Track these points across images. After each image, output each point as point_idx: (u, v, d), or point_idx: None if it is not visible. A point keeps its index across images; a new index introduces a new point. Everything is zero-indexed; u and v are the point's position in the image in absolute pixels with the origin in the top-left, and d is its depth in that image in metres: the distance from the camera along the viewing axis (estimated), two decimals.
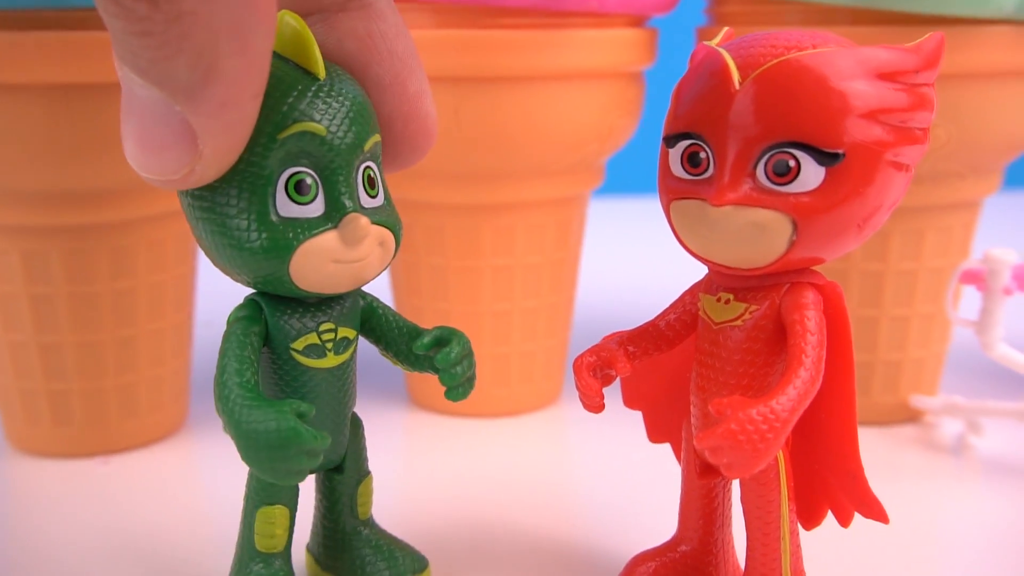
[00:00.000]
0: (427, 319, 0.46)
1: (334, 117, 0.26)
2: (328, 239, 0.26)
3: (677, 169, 0.27)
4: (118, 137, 0.37)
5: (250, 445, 0.25)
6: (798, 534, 0.28)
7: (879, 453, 0.43)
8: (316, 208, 0.26)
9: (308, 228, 0.26)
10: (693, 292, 0.29)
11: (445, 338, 0.30)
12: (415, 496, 0.40)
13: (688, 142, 0.26)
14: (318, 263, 0.26)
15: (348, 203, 0.27)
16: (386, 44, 0.29)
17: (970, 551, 0.35)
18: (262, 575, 0.30)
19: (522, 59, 0.41)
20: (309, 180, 0.26)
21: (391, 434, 0.46)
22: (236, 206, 0.26)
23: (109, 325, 0.41)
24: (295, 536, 0.32)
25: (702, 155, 0.26)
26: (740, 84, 0.25)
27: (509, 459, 0.43)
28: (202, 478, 0.42)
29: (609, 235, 0.88)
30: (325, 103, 0.26)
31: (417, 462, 0.44)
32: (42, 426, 0.42)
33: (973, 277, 0.41)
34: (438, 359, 0.29)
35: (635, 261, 0.83)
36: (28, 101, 0.36)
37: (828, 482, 0.28)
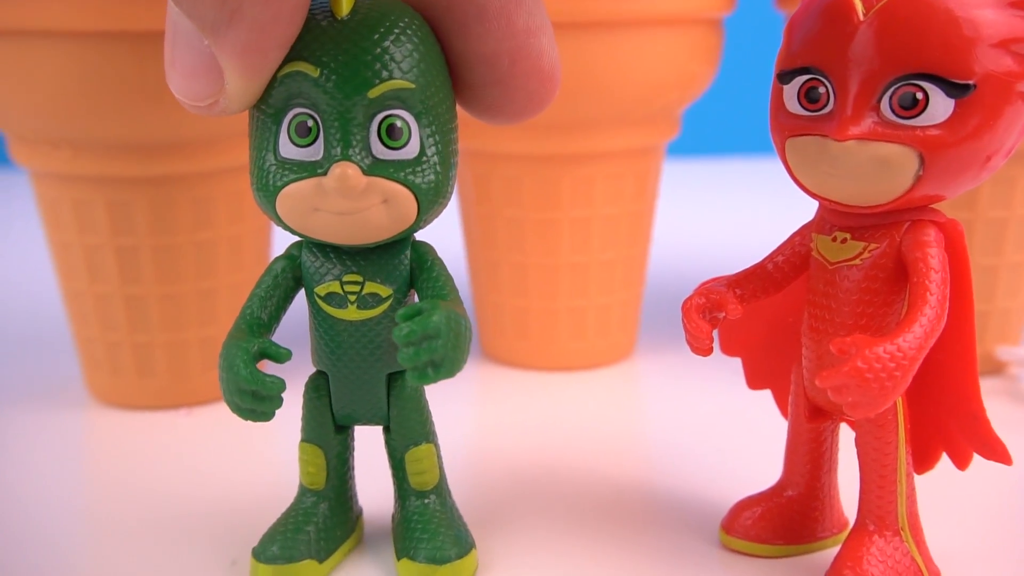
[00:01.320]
0: (503, 273, 0.46)
1: (336, 59, 0.25)
2: (307, 185, 0.26)
3: (793, 106, 0.26)
4: None
5: (219, 373, 0.27)
6: (913, 477, 0.28)
7: None
8: (315, 152, 0.26)
9: (297, 171, 0.26)
10: (803, 233, 0.29)
11: (421, 312, 0.26)
12: (493, 449, 0.40)
13: (806, 77, 0.26)
14: (298, 208, 0.26)
15: (338, 151, 0.25)
16: None
17: None
18: (304, 505, 0.30)
19: (603, 4, 0.40)
20: (311, 123, 0.26)
21: (465, 388, 0.46)
22: (253, 144, 0.27)
23: (191, 277, 0.41)
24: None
25: (821, 90, 0.25)
26: (864, 15, 0.24)
27: (589, 411, 0.43)
28: (283, 428, 0.42)
29: (679, 195, 0.87)
30: (331, 44, 0.25)
31: (493, 416, 0.43)
32: (126, 378, 0.42)
33: None
34: (393, 332, 0.26)
35: (704, 220, 0.82)
36: (115, 48, 0.36)
37: (946, 424, 0.28)
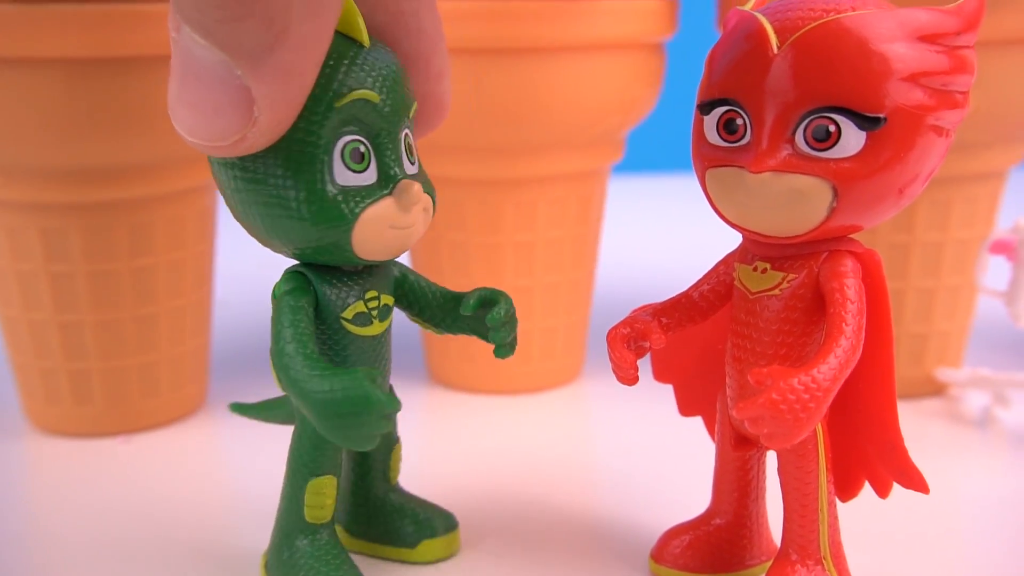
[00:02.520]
0: None
1: (384, 84, 0.27)
2: (386, 206, 0.27)
3: (713, 136, 0.26)
4: (137, 112, 0.37)
5: (329, 414, 0.25)
6: (836, 506, 0.28)
7: (904, 426, 0.43)
8: (370, 176, 0.27)
9: (366, 196, 0.27)
10: (727, 262, 0.29)
11: (491, 298, 0.30)
12: (438, 473, 0.40)
13: (724, 108, 0.26)
14: (378, 230, 0.27)
15: (398, 169, 0.27)
16: (416, 22, 0.28)
17: (995, 524, 0.35)
18: (310, 549, 0.30)
19: (544, 30, 0.40)
20: (363, 148, 0.27)
21: (411, 412, 0.46)
22: (292, 176, 0.26)
23: (129, 303, 0.41)
24: None
25: (739, 122, 0.25)
26: (778, 48, 0.24)
27: (533, 436, 0.43)
28: (223, 457, 0.42)
29: (627, 212, 0.87)
30: (375, 70, 0.27)
31: (438, 439, 0.43)
32: (62, 405, 0.42)
33: (1003, 247, 0.40)
34: (489, 318, 0.30)
35: (652, 238, 0.83)
36: (47, 75, 0.36)
37: (866, 453, 0.28)
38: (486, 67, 0.41)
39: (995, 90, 0.40)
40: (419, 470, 0.40)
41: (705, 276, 0.29)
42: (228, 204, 0.28)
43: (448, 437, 0.43)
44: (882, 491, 0.28)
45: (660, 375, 0.32)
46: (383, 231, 0.27)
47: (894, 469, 0.27)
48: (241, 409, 0.35)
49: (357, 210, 0.26)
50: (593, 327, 0.51)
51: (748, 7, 0.27)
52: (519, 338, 0.46)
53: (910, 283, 0.43)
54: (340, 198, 0.26)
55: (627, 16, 0.42)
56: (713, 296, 0.29)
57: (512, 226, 0.44)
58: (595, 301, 0.51)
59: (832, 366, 0.24)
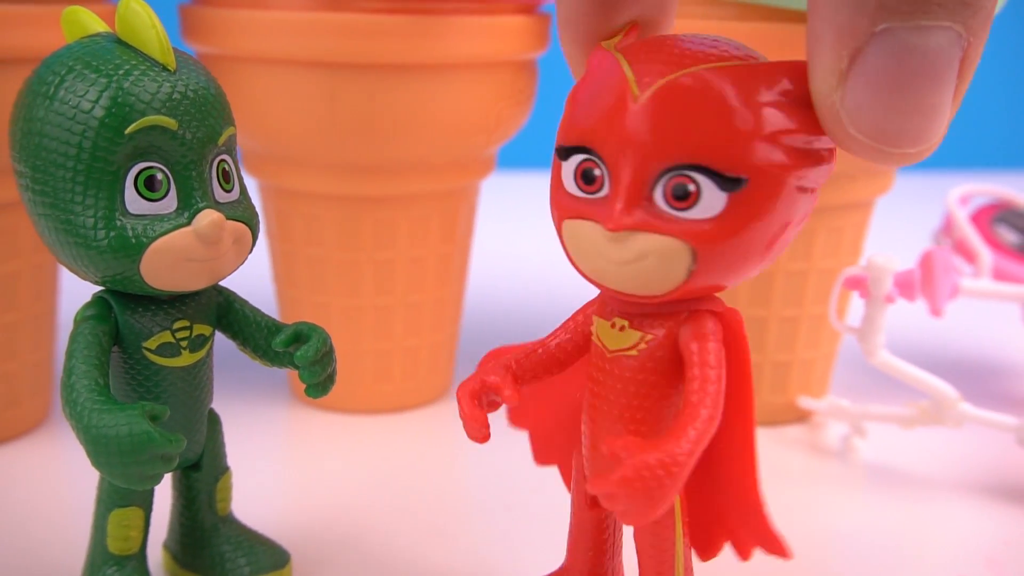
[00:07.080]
0: (305, 311, 0.44)
1: (186, 111, 0.26)
2: (181, 236, 0.26)
3: (570, 185, 0.24)
4: None
5: (101, 451, 0.24)
6: (692, 569, 0.27)
7: (765, 453, 0.43)
8: (168, 204, 0.26)
9: (161, 224, 0.25)
10: (586, 312, 0.27)
11: (304, 334, 0.29)
12: (290, 494, 0.38)
13: (582, 157, 0.24)
14: (171, 261, 0.26)
15: (201, 199, 0.26)
16: None
17: (848, 553, 0.35)
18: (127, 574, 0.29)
19: (403, 46, 0.38)
20: (160, 176, 0.25)
21: (272, 430, 0.44)
22: (82, 203, 0.25)
23: None
24: (153, 533, 0.30)
25: (596, 172, 0.24)
26: (638, 97, 0.23)
27: (388, 458, 0.42)
28: (61, 476, 0.39)
29: (504, 212, 0.85)
30: (179, 95, 0.25)
31: (297, 459, 0.42)
32: None
33: (856, 283, 0.40)
34: (297, 356, 0.29)
35: (531, 239, 0.81)
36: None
37: (726, 516, 0.27)
38: (340, 82, 0.39)
39: None
40: (271, 490, 0.38)
41: (563, 325, 0.28)
42: (36, 229, 0.26)
43: (306, 456, 0.42)
44: (743, 554, 0.27)
45: (515, 420, 0.31)
46: (176, 263, 0.26)
47: (755, 534, 0.26)
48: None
49: (145, 241, 0.25)
50: (462, 346, 0.49)
51: (611, 44, 0.25)
52: (380, 358, 0.44)
53: (773, 311, 0.43)
54: (129, 228, 0.25)
55: (492, 33, 0.40)
56: (571, 347, 0.28)
57: (371, 244, 0.42)
58: (467, 317, 0.49)
59: (690, 439, 0.22)
